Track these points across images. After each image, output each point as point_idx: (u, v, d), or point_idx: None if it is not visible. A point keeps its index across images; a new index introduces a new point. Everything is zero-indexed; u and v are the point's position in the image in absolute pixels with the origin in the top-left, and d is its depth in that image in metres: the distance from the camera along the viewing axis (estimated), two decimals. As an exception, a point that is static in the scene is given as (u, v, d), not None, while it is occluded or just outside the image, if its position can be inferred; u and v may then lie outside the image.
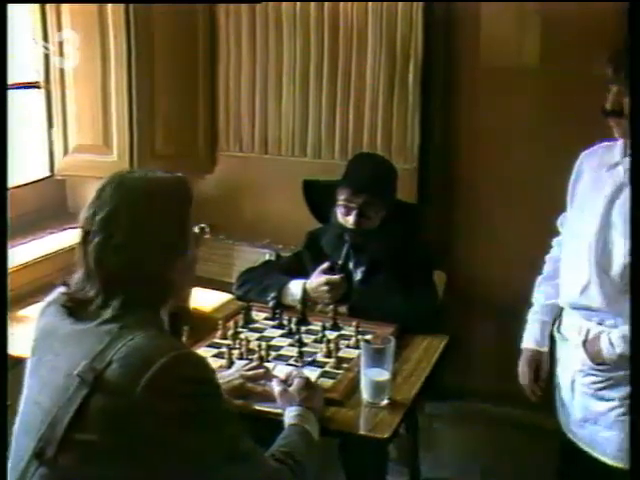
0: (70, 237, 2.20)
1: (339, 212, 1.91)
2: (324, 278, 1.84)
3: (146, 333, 1.00)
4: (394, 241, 1.91)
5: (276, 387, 1.33)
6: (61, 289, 1.09)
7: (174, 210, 1.08)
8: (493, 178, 2.48)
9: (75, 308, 1.06)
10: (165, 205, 1.06)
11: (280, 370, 1.49)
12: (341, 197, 1.89)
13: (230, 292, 2.04)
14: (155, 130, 2.44)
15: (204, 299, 2.02)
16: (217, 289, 2.14)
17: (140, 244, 1.03)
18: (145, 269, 1.03)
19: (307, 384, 1.33)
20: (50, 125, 2.46)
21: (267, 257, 2.50)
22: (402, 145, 2.47)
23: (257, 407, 1.37)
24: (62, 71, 2.35)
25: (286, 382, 1.35)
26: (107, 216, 1.03)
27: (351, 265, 1.94)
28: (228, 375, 1.42)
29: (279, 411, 1.31)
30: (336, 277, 1.85)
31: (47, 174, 2.52)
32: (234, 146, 2.71)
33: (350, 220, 1.87)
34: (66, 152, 2.44)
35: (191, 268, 1.13)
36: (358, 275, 1.94)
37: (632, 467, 1.04)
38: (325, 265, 1.87)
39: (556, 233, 1.67)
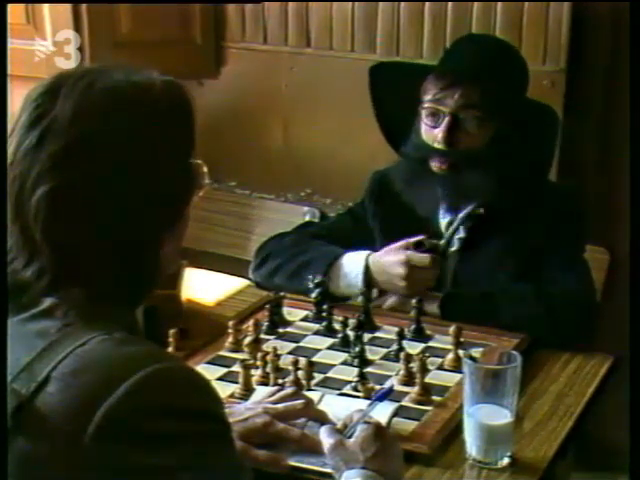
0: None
1: (424, 123, 1.87)
2: (405, 255, 1.83)
3: (107, 335, 1.00)
4: (515, 179, 1.85)
5: (327, 437, 1.33)
6: None
7: (175, 138, 1.08)
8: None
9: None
10: (161, 130, 1.06)
11: (329, 403, 1.50)
12: (428, 95, 1.85)
13: (246, 276, 2.05)
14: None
15: (204, 286, 2.03)
16: (224, 270, 2.15)
17: (119, 198, 1.03)
18: (127, 240, 1.04)
19: (376, 433, 1.32)
20: None
21: (306, 218, 2.56)
22: (540, 35, 2.45)
23: (291, 463, 1.38)
24: None
25: (343, 430, 1.35)
26: (60, 150, 1.01)
27: (441, 223, 1.93)
28: (244, 409, 1.43)
29: (328, 471, 1.32)
30: (424, 256, 1.83)
31: None
32: (253, 35, 2.72)
33: (439, 134, 1.82)
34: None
35: (184, 233, 1.14)
36: (454, 243, 1.92)
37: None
38: (416, 239, 1.84)
39: None
